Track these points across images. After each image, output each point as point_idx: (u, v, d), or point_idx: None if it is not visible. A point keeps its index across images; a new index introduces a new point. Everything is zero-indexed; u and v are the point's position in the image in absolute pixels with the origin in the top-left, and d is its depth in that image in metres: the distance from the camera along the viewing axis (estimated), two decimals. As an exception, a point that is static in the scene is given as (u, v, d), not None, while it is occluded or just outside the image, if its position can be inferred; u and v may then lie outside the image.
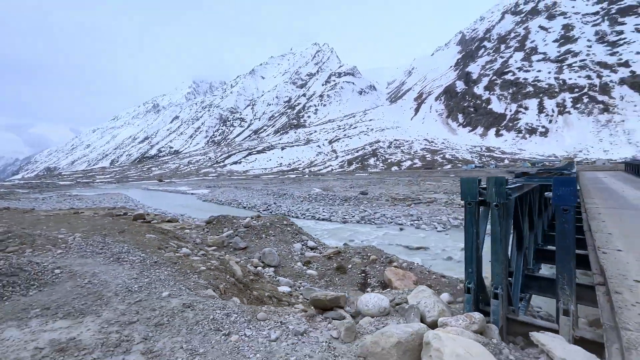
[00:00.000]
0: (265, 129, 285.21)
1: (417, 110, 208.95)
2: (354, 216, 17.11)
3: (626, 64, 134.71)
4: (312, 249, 7.90)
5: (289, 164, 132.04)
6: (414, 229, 14.42)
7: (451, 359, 2.19)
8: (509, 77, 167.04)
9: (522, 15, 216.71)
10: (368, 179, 49.16)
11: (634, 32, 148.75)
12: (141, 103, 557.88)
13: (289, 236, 8.30)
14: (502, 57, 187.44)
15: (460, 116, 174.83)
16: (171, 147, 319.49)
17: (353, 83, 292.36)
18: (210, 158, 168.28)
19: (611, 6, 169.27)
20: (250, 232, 8.28)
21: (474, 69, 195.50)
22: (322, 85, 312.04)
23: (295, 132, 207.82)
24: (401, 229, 14.51)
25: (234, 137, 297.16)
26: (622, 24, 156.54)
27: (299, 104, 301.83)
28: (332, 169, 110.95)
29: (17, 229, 5.01)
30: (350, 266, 6.68)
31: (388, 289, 4.26)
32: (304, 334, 2.88)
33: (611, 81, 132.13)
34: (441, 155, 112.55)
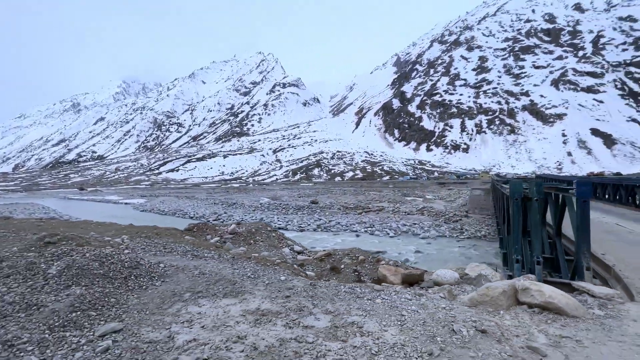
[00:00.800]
0: (205, 136, 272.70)
1: (357, 124, 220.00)
2: (309, 224, 17.79)
3: (527, 94, 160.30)
4: (299, 252, 8.39)
5: (232, 173, 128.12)
6: (368, 235, 15.63)
7: (549, 294, 3.44)
8: (437, 98, 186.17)
9: (447, 44, 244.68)
10: (314, 189, 50.50)
11: (531, 67, 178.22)
12: (57, 101, 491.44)
13: (276, 241, 8.70)
14: (431, 80, 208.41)
15: (396, 131, 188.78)
16: (94, 152, 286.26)
17: (297, 94, 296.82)
18: (142, 165, 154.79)
19: (515, 44, 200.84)
20: (237, 239, 8.45)
21: (408, 89, 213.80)
22: (267, 94, 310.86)
23: (238, 140, 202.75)
24: (357, 236, 15.62)
25: (170, 143, 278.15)
26: (523, 60, 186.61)
27: (242, 111, 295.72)
28: (277, 179, 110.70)
29: (64, 232, 5.32)
30: (342, 266, 7.32)
31: (384, 284, 5.08)
32: (423, 296, 3.95)
33: (516, 107, 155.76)
34: (380, 167, 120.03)
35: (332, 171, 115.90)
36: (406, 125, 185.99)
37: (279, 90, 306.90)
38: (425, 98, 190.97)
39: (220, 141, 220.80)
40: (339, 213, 20.66)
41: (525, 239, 5.44)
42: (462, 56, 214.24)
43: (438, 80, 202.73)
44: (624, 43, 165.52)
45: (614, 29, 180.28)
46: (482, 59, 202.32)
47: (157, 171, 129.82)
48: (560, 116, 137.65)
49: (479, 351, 2.62)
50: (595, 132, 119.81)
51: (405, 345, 2.72)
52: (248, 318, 3.05)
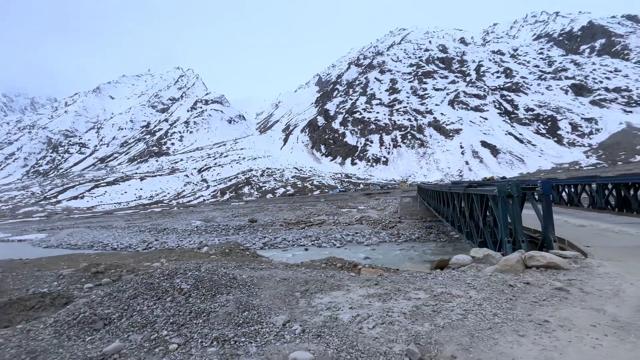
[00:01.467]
0: (116, 157, 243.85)
1: (285, 140, 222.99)
2: (254, 243, 17.91)
3: (431, 112, 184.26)
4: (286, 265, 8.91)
5: (151, 197, 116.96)
6: (316, 247, 16.54)
7: (549, 257, 5.52)
8: (357, 115, 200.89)
9: (363, 67, 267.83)
10: (247, 208, 49.76)
11: (432, 89, 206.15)
12: None
13: (251, 259, 9.02)
14: (351, 99, 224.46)
15: (322, 147, 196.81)
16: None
17: (222, 111, 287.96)
18: (34, 193, 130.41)
19: (418, 69, 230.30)
20: (215, 260, 8.53)
21: (331, 107, 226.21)
22: (188, 111, 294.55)
23: (157, 161, 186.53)
24: (306, 249, 16.40)
25: (71, 167, 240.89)
26: (425, 83, 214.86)
27: (160, 129, 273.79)
28: (205, 200, 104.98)
29: (100, 262, 5.96)
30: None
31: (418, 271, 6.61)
32: (464, 272, 5.71)
33: (423, 124, 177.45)
34: (310, 182, 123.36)
35: (263, 188, 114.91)
36: (331, 141, 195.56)
37: (201, 107, 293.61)
38: (347, 115, 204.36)
39: (136, 162, 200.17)
40: (282, 229, 21.21)
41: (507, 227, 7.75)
42: (376, 78, 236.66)
43: (357, 99, 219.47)
44: (497, 71, 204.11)
45: (489, 59, 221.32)
46: (393, 81, 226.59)
47: (54, 200, 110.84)
48: (457, 131, 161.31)
49: (535, 293, 4.16)
50: (484, 144, 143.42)
51: (490, 297, 4.00)
52: (372, 299, 4.19)
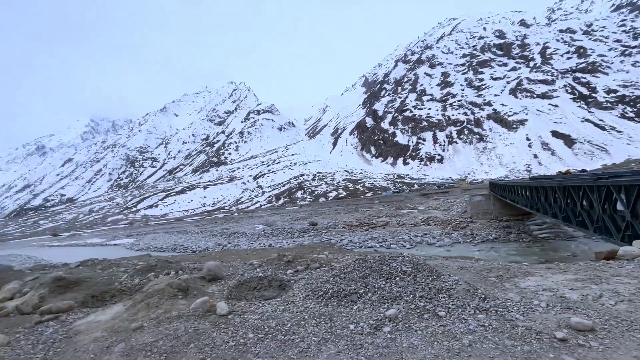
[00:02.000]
0: (181, 168, 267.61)
1: (334, 144, 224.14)
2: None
3: (489, 103, 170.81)
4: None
5: (214, 204, 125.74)
6: (385, 249, 16.14)
7: None
8: (407, 113, 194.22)
9: (411, 63, 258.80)
10: (303, 212, 50.75)
11: (490, 79, 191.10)
12: (20, 145, 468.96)
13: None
14: (400, 97, 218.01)
15: (372, 148, 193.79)
16: (63, 195, 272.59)
17: (272, 120, 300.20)
18: (118, 204, 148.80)
19: (472, 59, 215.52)
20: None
21: (379, 107, 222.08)
22: (242, 122, 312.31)
23: (217, 170, 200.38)
24: (375, 251, 16.09)
25: (145, 179, 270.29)
26: (482, 73, 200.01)
27: (218, 141, 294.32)
28: (261, 205, 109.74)
29: (293, 253, 7.03)
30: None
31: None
32: None
33: (481, 116, 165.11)
34: (362, 184, 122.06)
35: (315, 192, 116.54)
36: (381, 142, 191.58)
37: (253, 118, 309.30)
38: (396, 114, 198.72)
39: (198, 172, 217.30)
40: (345, 231, 21.10)
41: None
42: (425, 73, 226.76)
43: (406, 97, 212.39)
44: (568, 52, 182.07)
45: (557, 40, 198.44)
46: (445, 75, 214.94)
47: (134, 209, 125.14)
48: (522, 122, 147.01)
49: None
50: (555, 134, 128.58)
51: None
52: (582, 283, 4.76)
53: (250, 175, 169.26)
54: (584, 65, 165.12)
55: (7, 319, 4.89)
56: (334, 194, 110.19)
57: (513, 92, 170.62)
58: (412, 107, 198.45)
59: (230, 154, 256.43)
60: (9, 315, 4.94)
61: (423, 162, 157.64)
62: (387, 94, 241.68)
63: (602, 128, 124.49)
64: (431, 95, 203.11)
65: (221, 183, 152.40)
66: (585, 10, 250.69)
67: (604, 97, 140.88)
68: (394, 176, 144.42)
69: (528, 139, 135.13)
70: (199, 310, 4.69)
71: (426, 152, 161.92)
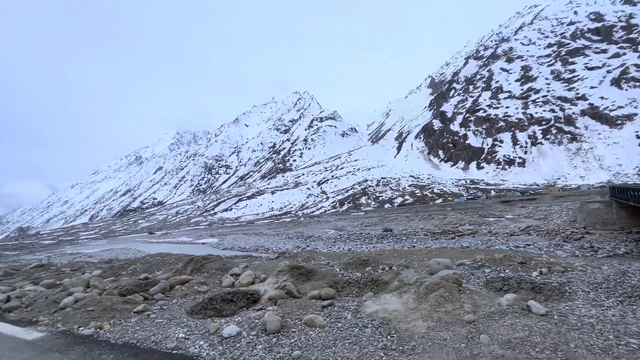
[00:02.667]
0: (251, 175, 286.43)
1: (399, 148, 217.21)
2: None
3: (584, 98, 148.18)
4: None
5: (281, 208, 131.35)
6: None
7: None
8: (480, 114, 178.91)
9: (484, 59, 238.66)
10: (370, 217, 49.66)
11: (584, 69, 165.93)
12: (123, 156, 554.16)
13: None
14: (472, 97, 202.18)
15: (440, 152, 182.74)
16: (155, 199, 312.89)
17: (335, 126, 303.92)
18: (199, 207, 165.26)
19: (560, 49, 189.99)
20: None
21: (448, 108, 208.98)
22: (305, 130, 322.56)
23: (283, 176, 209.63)
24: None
25: (220, 185, 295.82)
26: (573, 63, 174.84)
27: (284, 148, 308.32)
28: (325, 210, 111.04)
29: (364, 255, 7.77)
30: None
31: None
32: None
33: (574, 113, 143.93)
34: (430, 190, 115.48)
35: (380, 198, 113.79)
36: (451, 145, 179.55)
37: (316, 125, 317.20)
38: (467, 115, 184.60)
39: (266, 178, 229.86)
40: (428, 239, 19.80)
41: None
42: (502, 68, 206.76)
43: (479, 95, 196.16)
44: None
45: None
46: (525, 69, 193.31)
47: (212, 211, 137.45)
48: (629, 117, 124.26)
49: None
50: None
51: None
52: None
53: (314, 181, 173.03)
54: None
55: (284, 301, 5.50)
56: (399, 200, 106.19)
57: (616, 82, 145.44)
58: (487, 106, 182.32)
59: (294, 160, 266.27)
60: (276, 299, 5.48)
61: (500, 166, 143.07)
62: (456, 93, 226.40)
63: None
64: (509, 92, 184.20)
65: (287, 188, 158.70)
66: None
67: None
68: (466, 182, 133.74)
69: (638, 137, 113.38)
70: (515, 307, 4.87)
71: (504, 155, 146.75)
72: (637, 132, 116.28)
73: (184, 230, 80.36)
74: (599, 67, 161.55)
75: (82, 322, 4.66)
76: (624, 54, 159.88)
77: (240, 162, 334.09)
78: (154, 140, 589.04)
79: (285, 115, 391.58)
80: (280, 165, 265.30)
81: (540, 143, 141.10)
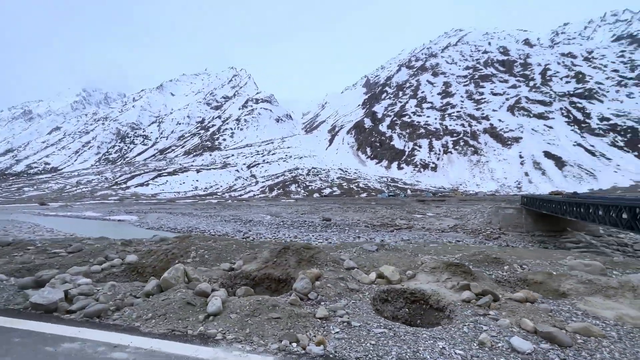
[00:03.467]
0: (173, 149, 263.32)
1: (331, 141, 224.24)
2: (359, 242, 18.30)
3: (487, 118, 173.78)
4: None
5: (206, 188, 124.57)
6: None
7: None
8: (406, 119, 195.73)
9: (414, 69, 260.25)
10: (302, 206, 50.97)
11: (490, 94, 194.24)
12: (5, 107, 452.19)
13: None
14: (400, 102, 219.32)
15: (368, 149, 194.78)
16: (47, 164, 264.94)
17: (270, 110, 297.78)
18: (107, 178, 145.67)
19: (475, 72, 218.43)
20: None
21: (379, 109, 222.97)
22: (239, 109, 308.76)
23: (210, 155, 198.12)
24: None
25: (135, 156, 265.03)
26: (483, 87, 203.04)
27: (213, 125, 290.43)
28: (254, 195, 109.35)
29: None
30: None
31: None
32: None
33: (478, 130, 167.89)
34: (356, 184, 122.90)
35: (310, 187, 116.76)
36: (378, 144, 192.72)
37: (251, 106, 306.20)
38: (395, 119, 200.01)
39: (191, 155, 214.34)
40: (369, 230, 21.44)
41: None
42: (428, 81, 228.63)
43: (407, 102, 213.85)
44: (567, 76, 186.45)
45: (558, 63, 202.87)
46: (447, 85, 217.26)
47: (124, 185, 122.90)
48: (516, 139, 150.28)
49: None
50: (547, 154, 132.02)
51: None
52: None
53: (244, 164, 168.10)
54: (581, 90, 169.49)
55: (499, 304, 4.41)
56: (328, 190, 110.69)
57: (511, 109, 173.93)
58: (412, 112, 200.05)
59: (224, 139, 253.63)
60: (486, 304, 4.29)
61: (417, 169, 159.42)
62: (387, 97, 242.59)
63: (593, 154, 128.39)
64: (431, 103, 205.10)
65: (214, 168, 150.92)
66: (587, 37, 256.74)
67: (597, 124, 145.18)
68: (388, 179, 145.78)
69: (521, 157, 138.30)
70: None
71: (421, 159, 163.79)
72: (520, 152, 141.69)
73: (88, 203, 70.62)
74: (500, 94, 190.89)
75: (277, 336, 3.27)
76: (519, 86, 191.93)
77: (161, 133, 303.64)
78: (51, 94, 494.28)
79: (219, 91, 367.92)
80: (208, 142, 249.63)
81: (451, 152, 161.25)
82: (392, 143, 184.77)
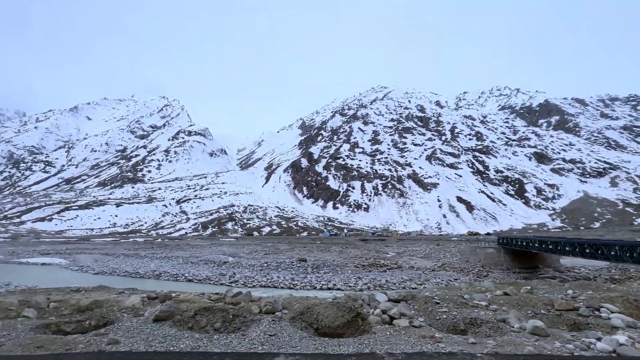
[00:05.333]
0: (84, 179, 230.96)
1: (267, 179, 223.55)
2: (357, 284, 18.20)
3: (410, 165, 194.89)
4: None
5: (127, 225, 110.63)
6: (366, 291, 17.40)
7: None
8: (340, 161, 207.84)
9: (347, 117, 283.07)
10: (249, 244, 49.04)
11: (411, 144, 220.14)
12: None
13: None
14: (335, 145, 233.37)
15: (304, 188, 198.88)
16: None
17: (204, 144, 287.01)
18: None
19: (398, 125, 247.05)
20: None
21: (315, 150, 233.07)
22: (169, 140, 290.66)
23: (132, 187, 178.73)
24: None
25: (31, 185, 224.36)
26: (405, 137, 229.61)
27: (137, 155, 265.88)
28: (186, 233, 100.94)
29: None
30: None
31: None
32: None
33: (403, 175, 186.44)
34: (294, 223, 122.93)
35: (248, 225, 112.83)
36: (314, 184, 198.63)
37: (183, 138, 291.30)
38: (330, 160, 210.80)
39: (109, 187, 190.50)
40: (362, 270, 21.77)
41: None
42: (359, 128, 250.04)
43: (341, 146, 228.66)
44: (470, 134, 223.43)
45: (462, 123, 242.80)
46: (375, 133, 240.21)
47: (17, 220, 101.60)
48: (434, 185, 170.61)
49: None
50: (459, 199, 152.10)
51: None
52: None
53: (173, 199, 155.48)
54: (480, 147, 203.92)
55: None
56: (267, 229, 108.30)
57: (429, 158, 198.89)
58: (345, 156, 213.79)
59: (149, 171, 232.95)
60: None
61: (351, 209, 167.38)
62: (323, 139, 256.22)
63: (493, 200, 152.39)
64: (362, 148, 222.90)
65: (138, 202, 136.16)
66: (481, 104, 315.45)
67: (494, 175, 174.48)
68: (324, 218, 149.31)
69: (439, 201, 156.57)
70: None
71: (354, 200, 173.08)
72: (438, 196, 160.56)
73: (-27, 242, 57.11)
74: (420, 145, 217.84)
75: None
76: (434, 139, 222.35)
77: (70, 160, 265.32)
78: None
79: (146, 119, 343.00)
80: (129, 173, 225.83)
81: (380, 194, 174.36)
82: (327, 183, 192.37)
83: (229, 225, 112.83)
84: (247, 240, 68.94)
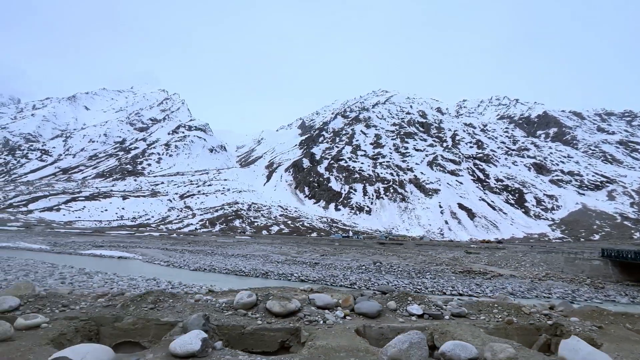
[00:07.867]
0: (82, 169, 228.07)
1: (269, 177, 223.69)
2: (477, 292, 19.00)
3: (411, 170, 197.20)
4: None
5: (134, 218, 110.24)
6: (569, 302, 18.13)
7: None
8: (342, 163, 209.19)
9: (349, 119, 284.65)
10: (273, 244, 49.73)
11: (413, 149, 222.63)
12: None
13: None
14: (337, 147, 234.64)
15: (306, 189, 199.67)
16: None
17: (204, 139, 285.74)
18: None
19: (400, 129, 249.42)
20: None
21: (317, 151, 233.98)
22: (169, 134, 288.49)
23: (135, 180, 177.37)
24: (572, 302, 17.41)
25: (27, 173, 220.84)
26: (407, 142, 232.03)
27: (136, 148, 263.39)
28: (195, 228, 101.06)
29: None
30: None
31: None
32: None
33: (404, 180, 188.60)
34: (300, 223, 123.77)
35: (255, 224, 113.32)
36: (316, 184, 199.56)
37: (183, 132, 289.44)
38: (332, 162, 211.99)
39: (108, 179, 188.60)
40: (462, 277, 22.63)
41: None
42: (361, 131, 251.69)
43: (343, 147, 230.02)
44: (470, 142, 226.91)
45: (463, 130, 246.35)
46: (378, 136, 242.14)
47: (24, 209, 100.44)
48: (436, 191, 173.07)
49: None
50: (461, 206, 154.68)
51: None
52: None
53: (176, 193, 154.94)
54: (481, 155, 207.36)
55: None
56: (275, 228, 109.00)
57: (430, 164, 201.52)
58: (347, 158, 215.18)
59: (150, 164, 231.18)
60: None
61: (353, 211, 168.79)
62: (325, 140, 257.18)
63: (493, 208, 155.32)
64: (365, 151, 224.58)
65: (143, 196, 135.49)
66: (480, 113, 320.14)
67: (494, 184, 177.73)
68: (327, 219, 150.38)
69: (440, 207, 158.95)
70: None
71: (356, 202, 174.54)
72: (439, 202, 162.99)
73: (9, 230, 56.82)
74: (421, 150, 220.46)
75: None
76: (436, 145, 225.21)
77: (67, 150, 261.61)
78: None
79: (146, 112, 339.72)
80: (129, 166, 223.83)
81: (382, 197, 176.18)
82: (329, 185, 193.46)
83: (237, 222, 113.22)
84: (266, 239, 69.69)
